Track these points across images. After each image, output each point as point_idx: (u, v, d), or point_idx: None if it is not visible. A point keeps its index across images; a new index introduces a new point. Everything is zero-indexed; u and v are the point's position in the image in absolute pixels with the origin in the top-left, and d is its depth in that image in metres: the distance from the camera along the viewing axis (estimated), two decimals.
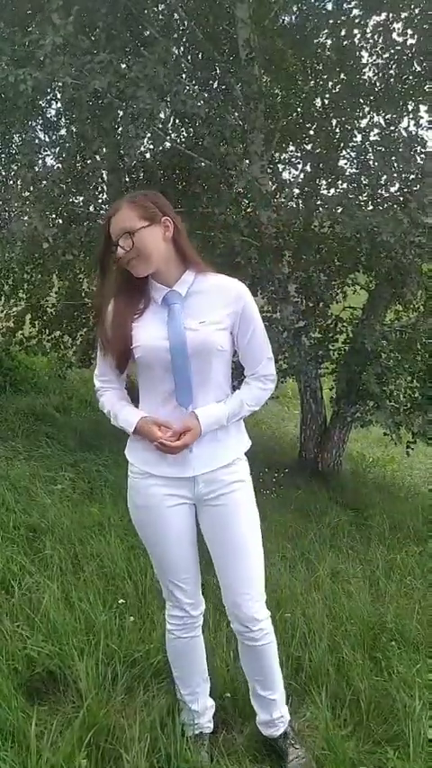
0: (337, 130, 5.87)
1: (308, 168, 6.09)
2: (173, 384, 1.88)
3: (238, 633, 2.07)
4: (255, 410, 2.03)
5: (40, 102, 5.91)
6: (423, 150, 5.25)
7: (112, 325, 1.91)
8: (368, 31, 5.49)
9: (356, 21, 5.39)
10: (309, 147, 6.21)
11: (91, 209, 5.33)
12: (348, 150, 5.89)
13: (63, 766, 1.91)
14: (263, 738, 2.19)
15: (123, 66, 4.59)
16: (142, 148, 5.46)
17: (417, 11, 5.18)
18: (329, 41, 5.63)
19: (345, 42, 5.47)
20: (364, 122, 5.78)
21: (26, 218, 4.47)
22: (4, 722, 2.07)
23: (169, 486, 1.95)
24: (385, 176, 5.23)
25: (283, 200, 5.75)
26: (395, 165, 5.25)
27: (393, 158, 5.25)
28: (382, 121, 5.65)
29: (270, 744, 2.18)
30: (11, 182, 6.36)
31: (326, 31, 5.58)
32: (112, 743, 2.08)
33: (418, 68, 5.35)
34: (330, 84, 5.81)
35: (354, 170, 5.78)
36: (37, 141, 5.97)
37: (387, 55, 5.56)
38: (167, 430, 1.87)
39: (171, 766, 2.00)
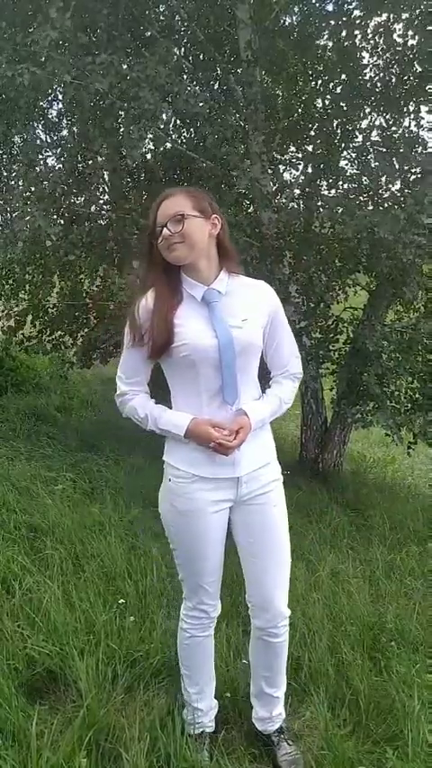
0: (338, 131, 5.86)
1: (309, 169, 6.09)
2: (219, 382, 1.86)
3: (260, 629, 2.10)
4: (288, 407, 2.07)
5: (42, 103, 5.92)
6: (424, 151, 5.25)
7: (154, 315, 1.86)
8: (369, 31, 5.47)
9: (357, 21, 5.38)
10: (309, 147, 6.20)
11: (92, 209, 5.33)
12: (349, 151, 5.89)
13: (63, 765, 1.92)
14: (257, 735, 2.21)
15: (125, 66, 4.59)
16: (144, 149, 5.47)
17: (417, 12, 5.17)
18: (330, 42, 5.63)
19: (346, 43, 5.46)
20: (364, 123, 5.78)
21: (28, 217, 4.46)
22: (4, 721, 2.08)
23: (215, 489, 1.93)
24: (386, 177, 5.23)
25: (283, 200, 5.75)
26: (396, 165, 5.25)
27: (394, 159, 5.25)
28: (382, 122, 5.65)
29: (264, 739, 2.20)
30: (12, 182, 6.38)
31: (327, 32, 5.57)
32: (112, 742, 2.10)
33: (419, 69, 5.34)
34: (331, 84, 5.80)
35: (354, 171, 5.78)
36: (38, 142, 5.99)
37: (388, 56, 5.55)
38: (221, 429, 1.84)
39: (171, 766, 2.01)
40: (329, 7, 5.53)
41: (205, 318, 1.87)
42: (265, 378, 2.06)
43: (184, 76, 5.63)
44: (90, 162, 5.29)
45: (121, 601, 2.89)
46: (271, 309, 1.96)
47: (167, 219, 1.82)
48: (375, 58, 5.61)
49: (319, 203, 5.66)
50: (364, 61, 5.59)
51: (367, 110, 5.68)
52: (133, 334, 1.90)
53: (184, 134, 5.88)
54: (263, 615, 2.07)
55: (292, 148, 6.42)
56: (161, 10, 5.77)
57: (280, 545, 2.04)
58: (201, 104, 4.80)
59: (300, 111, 6.11)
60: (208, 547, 2.00)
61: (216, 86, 6.03)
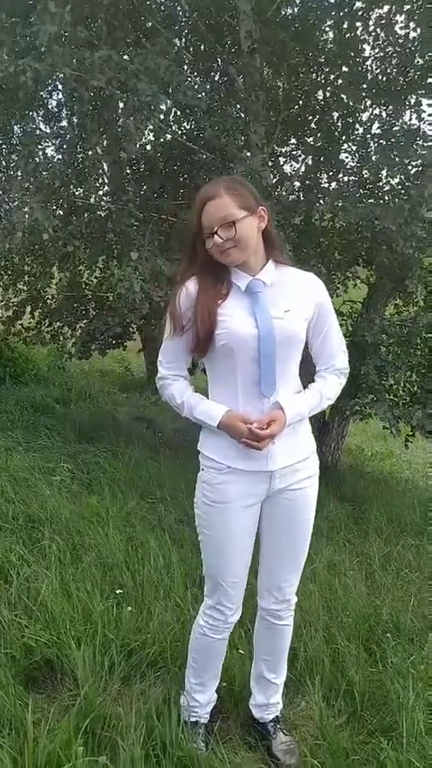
0: (339, 123, 5.84)
1: (309, 161, 6.07)
2: (257, 373, 1.84)
3: (265, 610, 2.13)
4: (331, 404, 2.02)
5: (41, 94, 5.89)
6: (425, 144, 5.23)
7: (198, 305, 1.84)
8: (370, 23, 5.45)
9: (359, 13, 5.36)
10: (310, 140, 6.18)
11: (92, 200, 5.31)
12: (350, 144, 5.87)
13: (60, 753, 1.93)
14: (253, 723, 2.23)
15: (125, 57, 4.57)
16: (143, 140, 5.45)
17: (419, 3, 5.14)
18: (332, 34, 5.60)
19: (347, 35, 5.43)
20: (365, 115, 5.76)
21: (27, 208, 4.45)
22: (1, 710, 2.10)
23: (248, 482, 1.91)
24: (386, 169, 5.21)
25: (283, 193, 5.74)
26: (396, 158, 5.23)
27: (395, 151, 5.23)
28: (383, 114, 5.63)
29: (260, 728, 2.21)
30: (11, 172, 6.36)
31: (328, 23, 5.55)
32: (109, 731, 2.11)
33: (420, 61, 5.32)
34: (332, 76, 5.78)
35: (355, 163, 5.76)
36: (38, 132, 5.96)
37: (389, 48, 5.53)
38: (252, 422, 1.82)
39: (167, 754, 2.02)
40: None
41: (248, 308, 1.85)
42: (309, 373, 2.03)
43: (185, 67, 5.60)
44: (89, 153, 5.26)
45: (119, 591, 2.90)
46: (317, 301, 1.91)
47: (217, 225, 1.77)
48: (377, 50, 5.59)
49: (320, 196, 5.65)
50: (366, 53, 5.58)
51: (368, 102, 5.66)
52: (174, 324, 1.90)
53: (184, 125, 5.85)
54: (269, 598, 2.11)
55: (293, 140, 6.40)
56: (162, 0, 5.74)
57: (302, 540, 2.04)
58: (201, 95, 4.78)
59: (300, 102, 6.09)
60: (232, 542, 1.97)
61: (216, 77, 6.00)
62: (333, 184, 5.86)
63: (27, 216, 4.44)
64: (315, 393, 1.95)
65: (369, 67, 5.59)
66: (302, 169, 6.09)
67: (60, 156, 5.64)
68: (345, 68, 5.61)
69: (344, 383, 2.03)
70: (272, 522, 2.01)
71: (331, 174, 5.91)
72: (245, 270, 1.88)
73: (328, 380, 2.00)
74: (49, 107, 6.26)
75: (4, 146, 6.42)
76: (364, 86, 5.51)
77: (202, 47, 5.93)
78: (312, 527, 2.06)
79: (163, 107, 4.79)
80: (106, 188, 6.01)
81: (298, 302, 1.88)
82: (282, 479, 1.93)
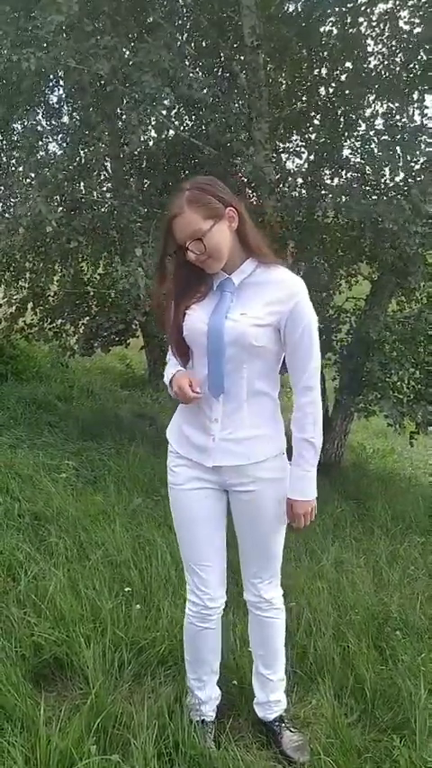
0: (342, 120, 5.82)
1: (311, 157, 6.05)
2: (205, 371, 1.89)
3: (248, 602, 2.15)
4: (318, 431, 1.93)
5: (43, 89, 5.87)
6: (428, 140, 5.21)
7: (173, 311, 1.93)
8: (374, 19, 5.44)
9: (362, 9, 5.33)
10: (313, 136, 6.16)
11: (94, 196, 5.30)
12: (353, 140, 5.85)
13: (72, 752, 1.92)
14: (259, 724, 2.22)
15: (127, 52, 4.55)
16: (146, 136, 5.43)
17: None
18: (335, 30, 5.57)
19: (350, 30, 5.42)
20: (368, 111, 5.74)
21: (30, 203, 4.42)
22: (12, 709, 2.08)
23: (195, 468, 1.98)
24: (389, 166, 5.19)
25: (286, 189, 5.72)
26: (399, 154, 5.21)
27: (398, 148, 5.21)
28: (387, 111, 5.60)
29: (266, 728, 2.20)
30: (12, 168, 6.33)
31: (331, 19, 5.52)
32: (120, 729, 2.10)
33: (425, 57, 5.30)
34: (336, 72, 5.76)
35: (358, 160, 5.74)
36: (39, 128, 5.94)
37: (393, 43, 5.51)
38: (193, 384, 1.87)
39: (179, 753, 2.01)
40: None
41: (212, 306, 1.88)
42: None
43: (187, 62, 5.58)
44: (92, 148, 5.24)
45: (127, 589, 2.89)
46: (286, 309, 1.82)
47: (187, 241, 1.79)
48: (380, 46, 5.57)
49: (322, 192, 5.63)
50: (369, 49, 5.56)
51: (371, 98, 5.64)
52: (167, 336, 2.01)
53: (187, 121, 5.83)
54: (248, 590, 2.14)
55: (296, 136, 6.38)
56: None
57: (265, 541, 2.04)
58: (204, 90, 4.76)
59: (304, 98, 6.07)
60: (193, 525, 2.03)
61: (219, 73, 5.97)
62: (336, 180, 5.84)
63: (30, 212, 4.41)
64: (304, 450, 1.93)
65: (372, 63, 5.57)
66: (305, 165, 6.07)
67: (62, 152, 5.62)
68: (348, 64, 5.60)
69: (317, 397, 1.91)
70: (235, 517, 2.06)
71: (334, 170, 5.89)
72: (224, 268, 1.89)
73: (303, 418, 1.92)
74: (50, 103, 6.25)
75: (5, 142, 6.39)
76: (368, 82, 5.49)
77: (205, 42, 5.91)
78: (281, 527, 2.04)
79: (166, 102, 4.77)
80: (109, 184, 5.98)
81: (261, 307, 1.83)
82: (231, 477, 1.96)
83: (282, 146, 6.34)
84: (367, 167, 5.49)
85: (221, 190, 1.83)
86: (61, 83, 5.91)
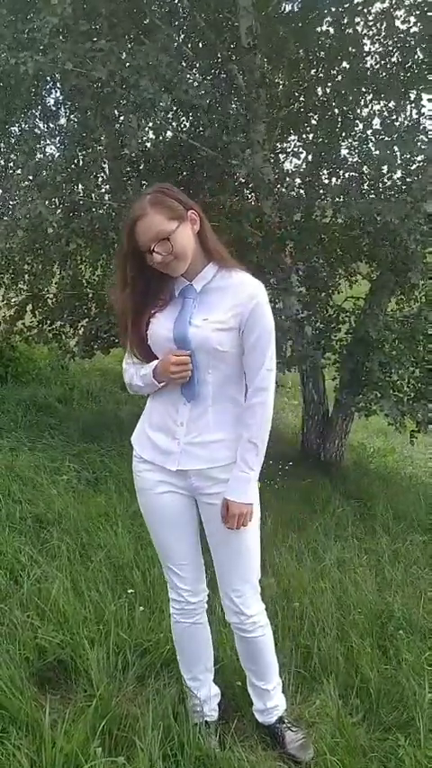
0: (339, 119, 5.82)
1: (309, 158, 6.06)
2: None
3: (231, 624, 2.12)
4: (264, 434, 1.93)
5: (41, 91, 5.87)
6: (426, 138, 5.21)
7: (133, 318, 1.91)
8: (371, 18, 5.44)
9: (359, 8, 5.34)
10: (311, 136, 6.17)
11: (93, 198, 5.30)
12: (350, 140, 5.86)
13: (78, 754, 1.92)
14: (261, 728, 2.21)
15: (125, 54, 4.55)
16: (144, 138, 5.43)
17: None
18: (332, 29, 5.57)
19: (347, 30, 5.42)
20: (366, 111, 5.74)
21: (30, 204, 4.42)
22: (17, 711, 2.08)
23: (160, 472, 1.99)
24: (387, 165, 5.20)
25: (284, 189, 5.72)
26: (397, 154, 5.22)
27: (395, 147, 5.22)
28: (384, 110, 5.61)
29: (267, 732, 2.20)
30: (10, 171, 6.34)
31: (328, 18, 5.52)
32: (125, 731, 2.10)
33: (421, 56, 5.31)
34: (332, 72, 5.77)
35: (356, 159, 5.75)
36: (37, 131, 5.94)
37: (389, 43, 5.51)
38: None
39: (184, 754, 2.01)
40: None
41: (175, 313, 1.89)
42: None
43: (184, 64, 5.58)
44: (90, 150, 5.24)
45: (130, 590, 2.89)
46: (245, 312, 1.83)
47: (152, 243, 1.77)
48: (377, 46, 5.57)
49: (321, 192, 5.64)
50: (366, 48, 5.55)
51: (369, 98, 5.64)
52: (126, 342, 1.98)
53: (185, 123, 5.83)
54: (228, 611, 2.08)
55: (293, 137, 6.39)
56: None
57: (237, 546, 2.00)
58: (201, 93, 4.76)
59: (301, 99, 6.07)
60: (164, 528, 2.04)
61: (217, 74, 5.97)
62: (334, 180, 5.85)
63: (30, 214, 4.41)
64: (245, 453, 1.91)
65: (369, 63, 5.57)
66: (303, 166, 6.08)
67: (60, 155, 5.62)
68: (345, 64, 5.59)
69: (267, 399, 1.91)
70: (207, 529, 2.04)
71: (332, 170, 5.90)
72: (185, 275, 1.88)
73: (251, 417, 1.91)
74: (48, 105, 6.25)
75: (3, 145, 6.39)
76: (365, 82, 5.50)
77: (202, 43, 5.92)
78: (253, 532, 2.00)
79: (164, 104, 4.77)
80: (107, 186, 5.98)
81: (222, 311, 1.84)
82: (199, 480, 1.96)
83: (280, 146, 6.34)
84: (365, 167, 5.51)
85: (180, 194, 1.85)
86: (59, 85, 5.91)
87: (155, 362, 1.92)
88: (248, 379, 1.92)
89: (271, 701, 2.18)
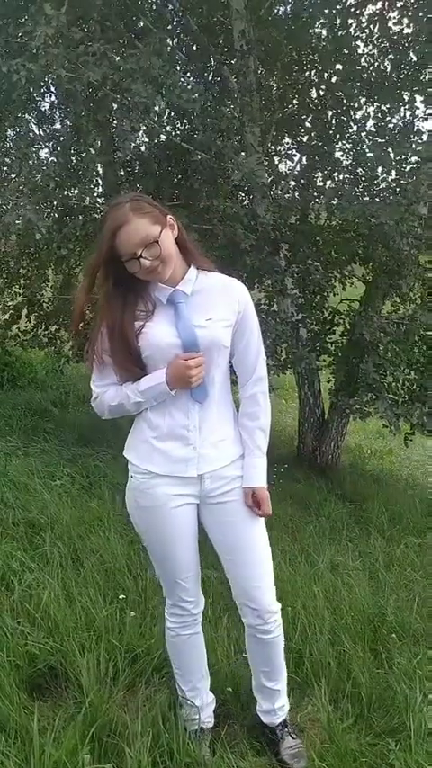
0: (333, 122, 5.83)
1: (304, 160, 6.07)
2: None
3: (252, 627, 2.07)
4: (270, 419, 2.02)
5: (35, 95, 5.87)
6: (420, 140, 5.22)
7: (112, 334, 1.83)
8: (363, 20, 5.45)
9: (351, 10, 5.35)
10: (305, 138, 6.17)
11: (86, 202, 5.29)
12: (344, 142, 5.86)
13: (66, 762, 1.91)
14: (261, 728, 2.20)
15: (118, 58, 4.55)
16: (137, 141, 5.43)
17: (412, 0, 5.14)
18: (325, 31, 5.58)
19: (340, 32, 5.42)
20: (359, 113, 5.75)
21: (22, 210, 4.42)
22: (6, 719, 2.07)
23: (175, 485, 1.93)
24: (381, 167, 5.20)
25: (279, 192, 5.72)
26: (391, 155, 5.22)
27: (389, 149, 5.22)
28: (378, 112, 5.61)
29: (268, 732, 2.19)
30: (3, 175, 6.33)
31: (321, 21, 5.53)
32: (115, 738, 2.09)
33: (414, 58, 5.32)
34: (326, 74, 5.77)
35: (350, 161, 5.75)
36: (31, 135, 5.94)
37: (383, 44, 5.52)
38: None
39: (174, 761, 2.00)
40: None
41: (170, 319, 1.86)
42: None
43: (178, 68, 5.59)
44: (84, 154, 5.24)
45: (122, 596, 2.88)
46: (239, 307, 1.91)
47: (139, 248, 1.74)
48: (370, 47, 5.58)
49: (315, 194, 5.64)
50: (359, 50, 5.56)
51: (362, 100, 5.65)
52: (97, 363, 1.90)
53: (179, 126, 5.83)
54: (250, 613, 2.05)
55: (287, 139, 6.40)
56: (154, 0, 5.72)
57: (254, 540, 2.01)
58: (195, 96, 4.76)
59: (295, 101, 6.08)
60: (176, 542, 1.99)
61: (210, 77, 5.98)
62: (329, 183, 5.85)
63: (20, 218, 4.41)
64: (257, 437, 1.99)
65: (363, 65, 5.58)
66: (298, 168, 6.08)
67: (54, 158, 5.62)
68: (338, 66, 5.60)
69: (266, 387, 2.02)
70: (219, 529, 2.02)
71: (327, 172, 5.91)
72: (166, 282, 1.86)
73: (256, 407, 2.00)
74: (43, 109, 6.25)
75: None
76: (359, 84, 5.50)
77: (195, 47, 5.92)
78: (263, 526, 2.04)
79: (157, 108, 4.77)
80: (101, 189, 5.98)
81: (220, 309, 1.88)
82: (212, 481, 1.95)
83: (274, 149, 6.35)
84: (359, 169, 5.51)
85: (154, 201, 1.85)
86: (53, 89, 5.92)
87: (156, 374, 1.85)
88: (245, 371, 1.99)
89: (279, 701, 2.18)
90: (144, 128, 4.91)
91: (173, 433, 1.90)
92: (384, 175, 5.32)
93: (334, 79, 5.68)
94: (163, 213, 1.82)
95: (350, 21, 5.39)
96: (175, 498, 1.94)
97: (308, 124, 6.12)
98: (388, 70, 5.50)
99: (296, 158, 6.17)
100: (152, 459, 1.93)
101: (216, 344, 1.86)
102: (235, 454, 1.99)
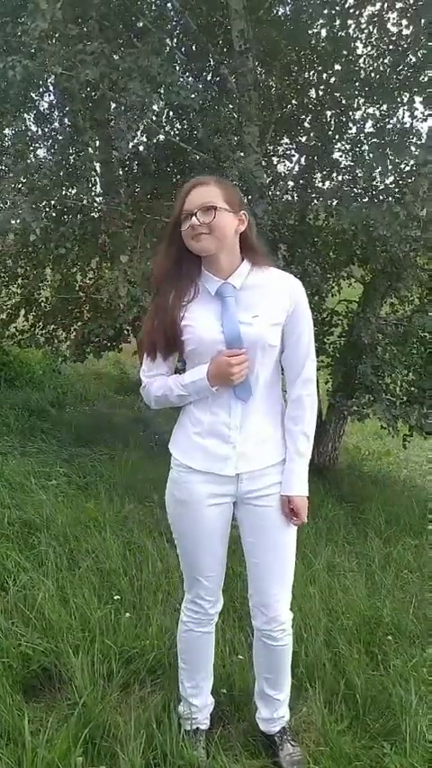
0: (332, 122, 5.82)
1: (302, 161, 6.06)
2: None
3: (259, 630, 2.07)
4: (314, 424, 1.97)
5: (32, 94, 5.86)
6: (419, 142, 5.21)
7: (158, 309, 1.86)
8: (363, 21, 5.44)
9: (351, 10, 5.34)
10: (303, 139, 6.16)
11: (84, 201, 5.28)
12: (343, 143, 5.86)
13: (59, 764, 1.90)
14: (259, 734, 2.19)
15: (116, 57, 4.54)
16: (136, 141, 5.42)
17: (412, 0, 5.13)
18: (324, 32, 5.57)
19: (339, 33, 5.41)
20: (358, 114, 5.74)
21: (19, 210, 4.40)
22: None
23: (212, 482, 1.91)
24: (380, 168, 5.20)
25: (277, 192, 5.71)
26: (390, 156, 5.22)
27: (388, 150, 5.22)
28: (377, 113, 5.61)
29: (266, 739, 2.17)
30: (2, 173, 6.31)
31: (320, 21, 5.52)
32: (108, 740, 2.08)
33: (413, 59, 5.31)
34: (325, 75, 5.76)
35: (348, 162, 5.74)
36: (29, 134, 5.93)
37: (382, 45, 5.51)
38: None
39: (167, 763, 1.99)
40: None
41: (216, 313, 1.84)
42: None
43: (177, 67, 5.57)
44: (82, 153, 5.23)
45: (116, 597, 2.86)
46: (291, 306, 1.86)
47: (197, 208, 1.76)
48: (369, 48, 5.57)
49: (314, 195, 5.63)
50: (358, 51, 5.55)
51: (361, 101, 5.64)
52: (149, 351, 1.91)
53: (177, 125, 5.82)
54: (261, 617, 2.04)
55: (286, 140, 6.39)
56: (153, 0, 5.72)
57: (283, 549, 1.98)
58: (193, 95, 4.75)
59: (293, 102, 6.07)
60: (204, 539, 1.97)
61: (209, 77, 5.97)
62: (327, 184, 5.84)
63: (16, 217, 4.40)
64: (300, 446, 1.92)
65: (362, 65, 5.57)
66: (296, 169, 6.07)
67: (52, 158, 5.61)
68: (337, 67, 5.59)
69: (314, 390, 1.96)
70: (250, 531, 1.99)
71: (325, 173, 5.90)
72: (216, 272, 1.85)
73: (302, 411, 1.94)
74: (41, 108, 6.23)
75: None
76: (357, 85, 5.49)
77: (194, 46, 5.91)
78: (295, 535, 2.00)
79: (155, 107, 4.76)
80: (98, 189, 5.98)
81: (269, 307, 1.84)
82: (250, 482, 1.91)
83: (272, 149, 6.34)
84: (358, 170, 5.50)
85: (241, 196, 1.88)
86: (51, 88, 5.91)
87: (200, 369, 1.84)
88: (292, 372, 1.94)
89: (279, 711, 2.16)
90: (142, 127, 4.90)
91: (214, 430, 1.89)
92: (383, 177, 5.32)
93: (333, 80, 5.67)
94: (240, 204, 1.84)
95: (349, 21, 5.37)
96: (210, 497, 1.92)
97: (306, 124, 6.10)
98: (387, 71, 5.49)
99: (295, 159, 6.16)
100: (192, 454, 1.92)
101: (260, 343, 1.82)
102: (277, 458, 1.94)
